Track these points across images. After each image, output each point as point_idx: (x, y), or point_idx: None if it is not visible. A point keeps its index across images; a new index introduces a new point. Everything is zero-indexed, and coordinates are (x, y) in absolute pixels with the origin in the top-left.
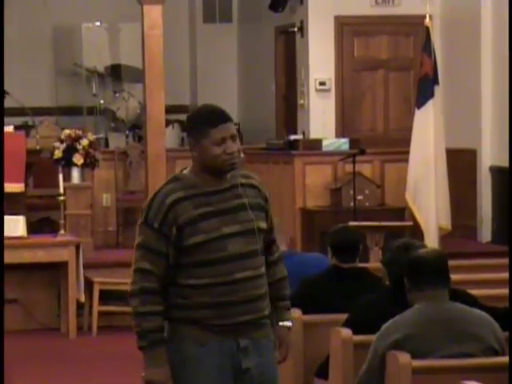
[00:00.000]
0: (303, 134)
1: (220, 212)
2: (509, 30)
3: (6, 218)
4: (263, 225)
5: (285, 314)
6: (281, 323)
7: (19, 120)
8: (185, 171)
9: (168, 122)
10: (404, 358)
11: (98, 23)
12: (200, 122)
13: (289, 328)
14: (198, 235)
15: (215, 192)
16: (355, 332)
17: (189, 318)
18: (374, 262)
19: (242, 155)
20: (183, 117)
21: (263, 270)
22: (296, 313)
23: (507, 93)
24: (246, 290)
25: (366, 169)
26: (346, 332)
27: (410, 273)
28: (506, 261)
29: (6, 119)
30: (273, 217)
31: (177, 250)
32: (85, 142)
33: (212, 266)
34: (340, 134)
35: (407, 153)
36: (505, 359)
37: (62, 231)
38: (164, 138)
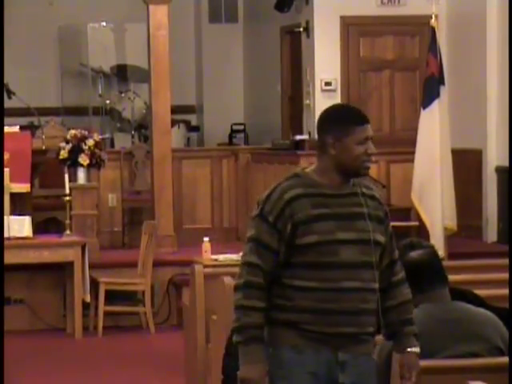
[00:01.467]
0: (309, 134)
1: (337, 216)
2: (509, 30)
3: (12, 218)
4: (381, 238)
5: (412, 340)
6: (409, 349)
7: (25, 120)
8: (307, 169)
9: (174, 122)
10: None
11: (103, 23)
12: (345, 118)
13: (417, 354)
14: (312, 235)
15: (335, 195)
16: None
17: (288, 321)
18: None
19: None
20: (189, 117)
21: (375, 285)
22: None
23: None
24: (352, 301)
25: (372, 169)
26: None
27: (409, 277)
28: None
29: (12, 119)
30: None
31: (288, 247)
32: (91, 142)
33: (320, 270)
34: None
35: (413, 153)
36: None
37: (68, 231)
38: (170, 138)
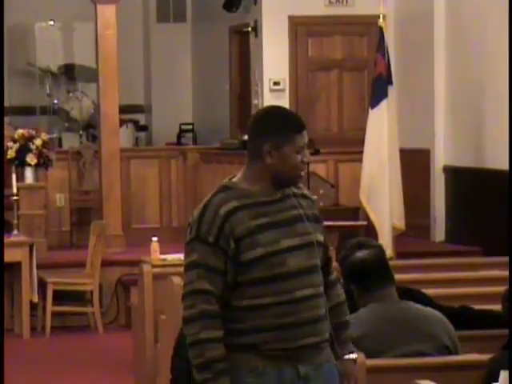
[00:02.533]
0: None
1: (278, 223)
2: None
3: None
4: (321, 238)
5: (348, 346)
6: (346, 356)
7: None
8: (234, 179)
9: (122, 122)
10: (358, 357)
11: (51, 22)
12: (285, 125)
13: (354, 361)
14: (256, 249)
15: (270, 202)
16: None
17: (243, 345)
18: None
19: None
20: (137, 116)
21: (322, 288)
22: None
23: (460, 93)
24: (308, 310)
25: (320, 169)
26: None
27: (356, 277)
28: (459, 260)
29: None
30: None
31: (235, 265)
32: (38, 141)
33: (272, 284)
34: None
35: (361, 153)
36: (458, 358)
37: (16, 231)
38: (118, 137)
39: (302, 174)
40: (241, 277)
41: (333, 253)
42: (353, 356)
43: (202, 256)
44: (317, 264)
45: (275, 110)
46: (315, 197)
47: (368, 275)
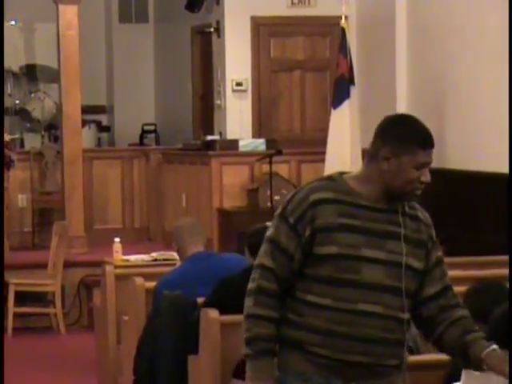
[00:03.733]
0: (220, 134)
1: (366, 230)
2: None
3: None
4: (415, 263)
5: (484, 342)
6: (487, 350)
7: None
8: (345, 175)
9: (84, 122)
10: None
11: (12, 22)
12: (411, 136)
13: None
14: (331, 246)
15: (369, 208)
16: None
17: (295, 340)
18: None
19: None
20: (100, 117)
21: (403, 315)
22: (213, 313)
23: (422, 94)
24: (370, 328)
25: (282, 169)
26: None
27: None
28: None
29: None
30: (437, 257)
31: (305, 255)
32: None
33: (336, 287)
34: (257, 134)
35: (324, 153)
36: (419, 358)
37: None
38: (81, 138)
39: (417, 192)
40: (309, 269)
41: None
42: (494, 346)
43: (277, 233)
44: (399, 287)
45: (407, 118)
46: (433, 231)
47: None
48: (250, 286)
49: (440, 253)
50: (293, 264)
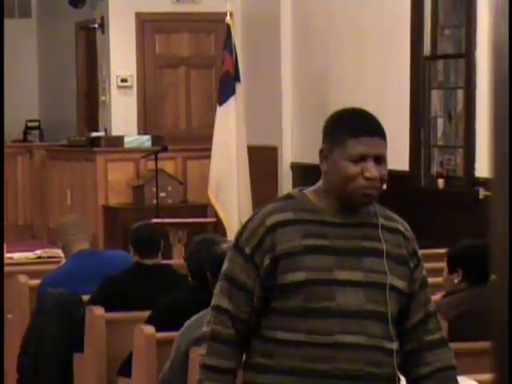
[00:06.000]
0: (105, 130)
1: (337, 250)
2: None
3: None
4: (400, 283)
5: None
6: None
7: None
8: (305, 190)
9: None
10: None
11: None
12: (340, 124)
13: None
14: (298, 272)
15: (338, 224)
16: (159, 329)
17: None
18: (178, 259)
19: (384, 186)
20: None
21: (390, 344)
22: (98, 311)
23: (307, 90)
24: (353, 362)
25: (168, 166)
26: (150, 329)
27: (214, 268)
28: None
29: None
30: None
31: (267, 289)
32: None
33: (309, 319)
34: (142, 130)
35: (209, 150)
36: None
37: None
38: None
39: (366, 192)
40: (275, 303)
41: (181, 250)
42: None
43: (232, 268)
44: (382, 311)
45: (344, 110)
46: (416, 244)
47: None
48: (205, 330)
49: (424, 273)
50: (253, 301)
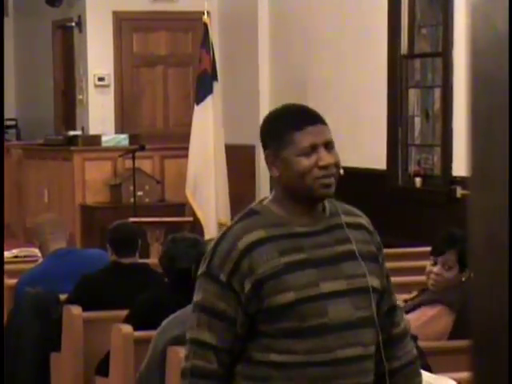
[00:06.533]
0: (82, 129)
1: (317, 261)
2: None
3: None
4: (377, 284)
5: None
6: None
7: None
8: (265, 202)
9: None
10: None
11: None
12: (278, 125)
13: None
14: (286, 293)
15: (309, 233)
16: (136, 328)
17: None
18: (155, 258)
19: (341, 172)
20: None
21: (373, 348)
22: (76, 310)
23: (284, 89)
24: (352, 376)
25: (145, 165)
26: (127, 328)
27: (195, 269)
28: None
29: None
30: (385, 270)
31: (251, 314)
32: None
33: (305, 339)
34: (120, 129)
35: (187, 148)
36: None
37: None
38: None
39: (327, 181)
40: (263, 326)
41: (159, 249)
42: None
43: (208, 297)
44: (368, 316)
45: (276, 109)
46: (378, 237)
47: None
48: (184, 365)
49: (385, 263)
50: (236, 329)
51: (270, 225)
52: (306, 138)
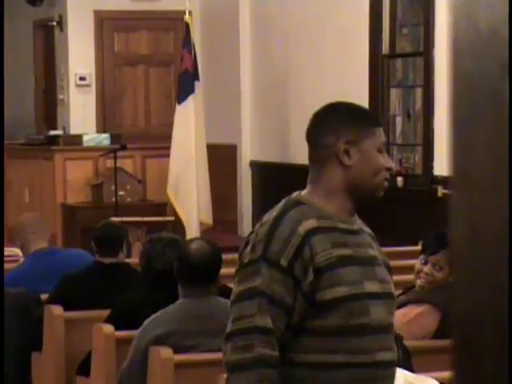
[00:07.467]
0: (63, 129)
1: (359, 260)
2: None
3: None
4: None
5: None
6: None
7: None
8: (303, 194)
9: None
10: (166, 352)
11: None
12: (362, 115)
13: None
14: (337, 287)
15: (350, 231)
16: (118, 328)
17: None
18: (137, 258)
19: None
20: None
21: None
22: (57, 310)
23: (266, 89)
24: (385, 381)
25: (127, 164)
26: (108, 328)
27: (177, 269)
28: None
29: None
30: None
31: (307, 305)
32: None
33: (350, 337)
34: (101, 129)
35: (169, 148)
36: None
37: None
38: None
39: (386, 184)
40: (310, 321)
41: (140, 248)
42: None
43: (267, 283)
44: (392, 323)
45: (341, 104)
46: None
47: (185, 270)
48: (243, 356)
49: None
50: (291, 319)
51: (318, 216)
52: (381, 135)
